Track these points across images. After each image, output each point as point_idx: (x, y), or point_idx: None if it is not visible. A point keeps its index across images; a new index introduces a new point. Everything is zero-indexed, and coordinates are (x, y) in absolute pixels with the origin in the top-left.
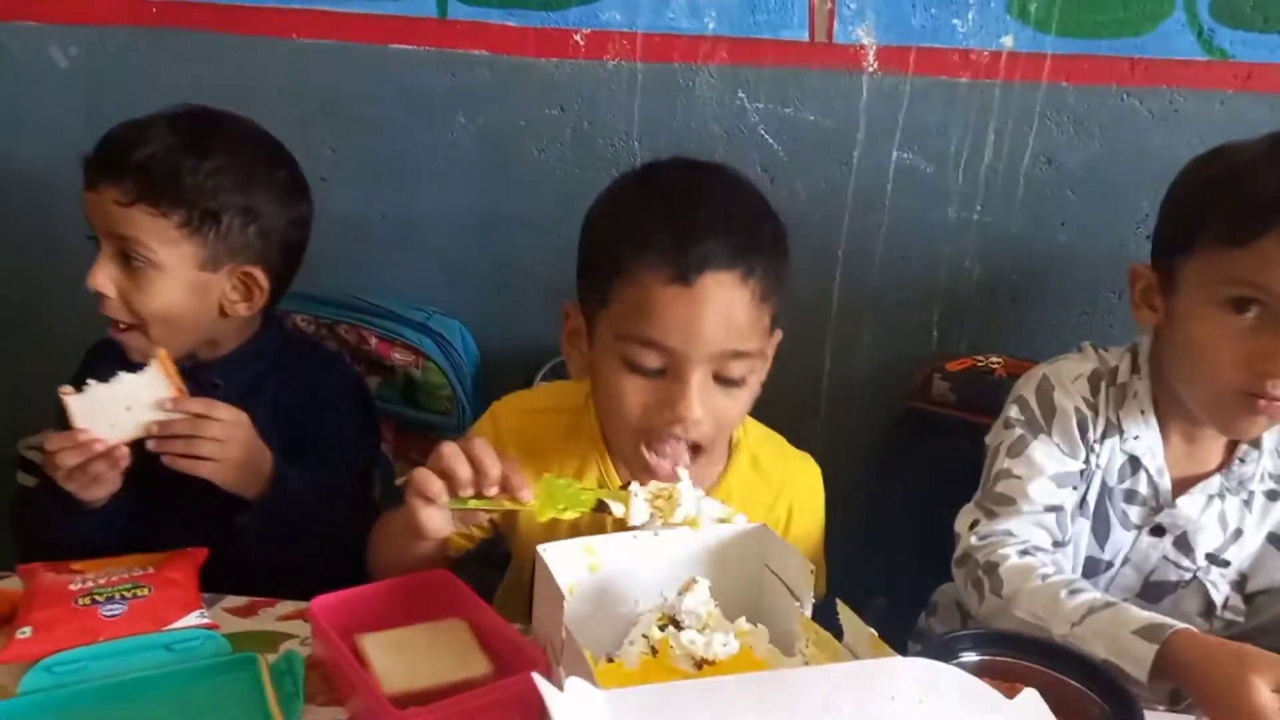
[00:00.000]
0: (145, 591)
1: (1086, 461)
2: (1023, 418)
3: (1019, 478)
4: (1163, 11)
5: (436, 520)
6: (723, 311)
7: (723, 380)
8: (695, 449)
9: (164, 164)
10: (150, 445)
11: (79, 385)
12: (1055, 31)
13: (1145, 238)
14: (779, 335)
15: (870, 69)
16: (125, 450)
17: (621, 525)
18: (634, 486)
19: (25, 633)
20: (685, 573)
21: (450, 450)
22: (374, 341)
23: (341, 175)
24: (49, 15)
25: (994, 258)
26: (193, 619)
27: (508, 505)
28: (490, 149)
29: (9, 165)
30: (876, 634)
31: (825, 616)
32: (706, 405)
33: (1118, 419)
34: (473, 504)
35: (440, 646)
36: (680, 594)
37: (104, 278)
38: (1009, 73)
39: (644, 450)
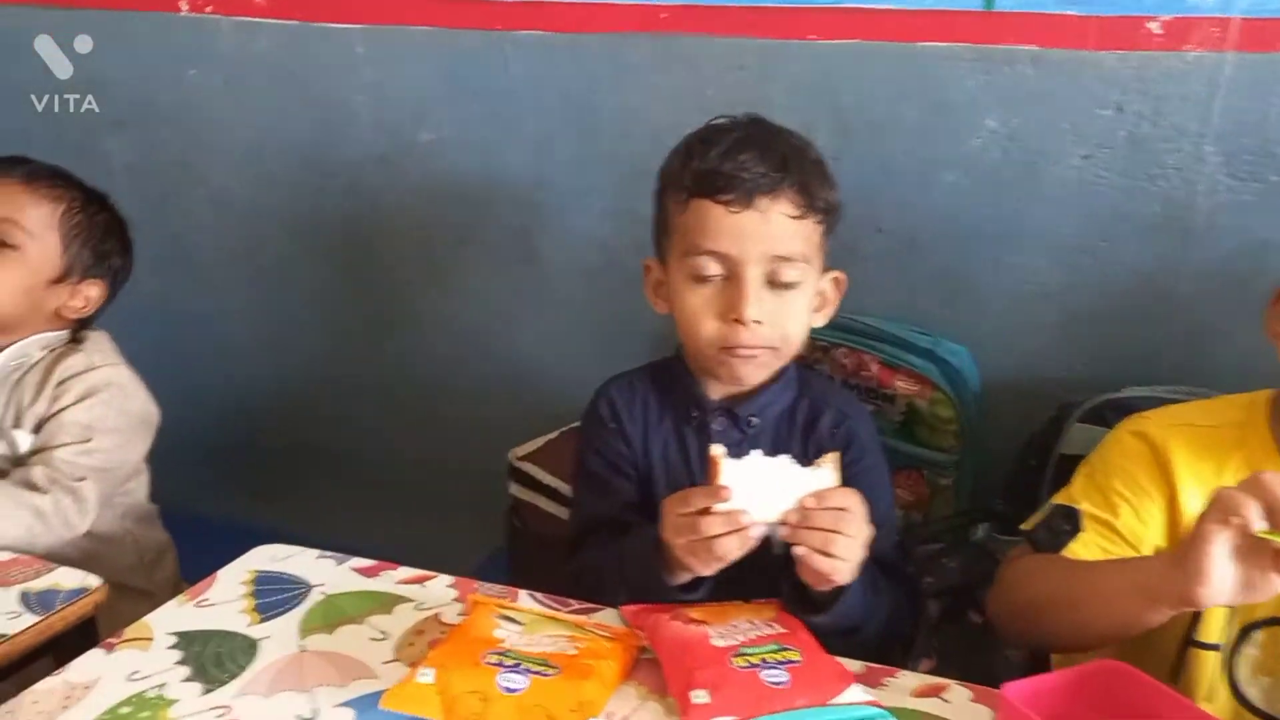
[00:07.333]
0: (796, 656)
1: None
2: None
3: None
4: None
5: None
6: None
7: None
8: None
9: (815, 169)
10: (783, 534)
11: (734, 450)
12: None
13: None
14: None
15: None
16: (759, 535)
17: None
18: None
19: (701, 697)
20: None
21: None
22: (875, 368)
23: (841, 183)
24: (551, 24)
25: None
26: (856, 694)
27: None
28: (1020, 155)
29: (496, 184)
30: None
31: None
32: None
33: None
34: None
35: None
36: None
37: (759, 306)
38: None
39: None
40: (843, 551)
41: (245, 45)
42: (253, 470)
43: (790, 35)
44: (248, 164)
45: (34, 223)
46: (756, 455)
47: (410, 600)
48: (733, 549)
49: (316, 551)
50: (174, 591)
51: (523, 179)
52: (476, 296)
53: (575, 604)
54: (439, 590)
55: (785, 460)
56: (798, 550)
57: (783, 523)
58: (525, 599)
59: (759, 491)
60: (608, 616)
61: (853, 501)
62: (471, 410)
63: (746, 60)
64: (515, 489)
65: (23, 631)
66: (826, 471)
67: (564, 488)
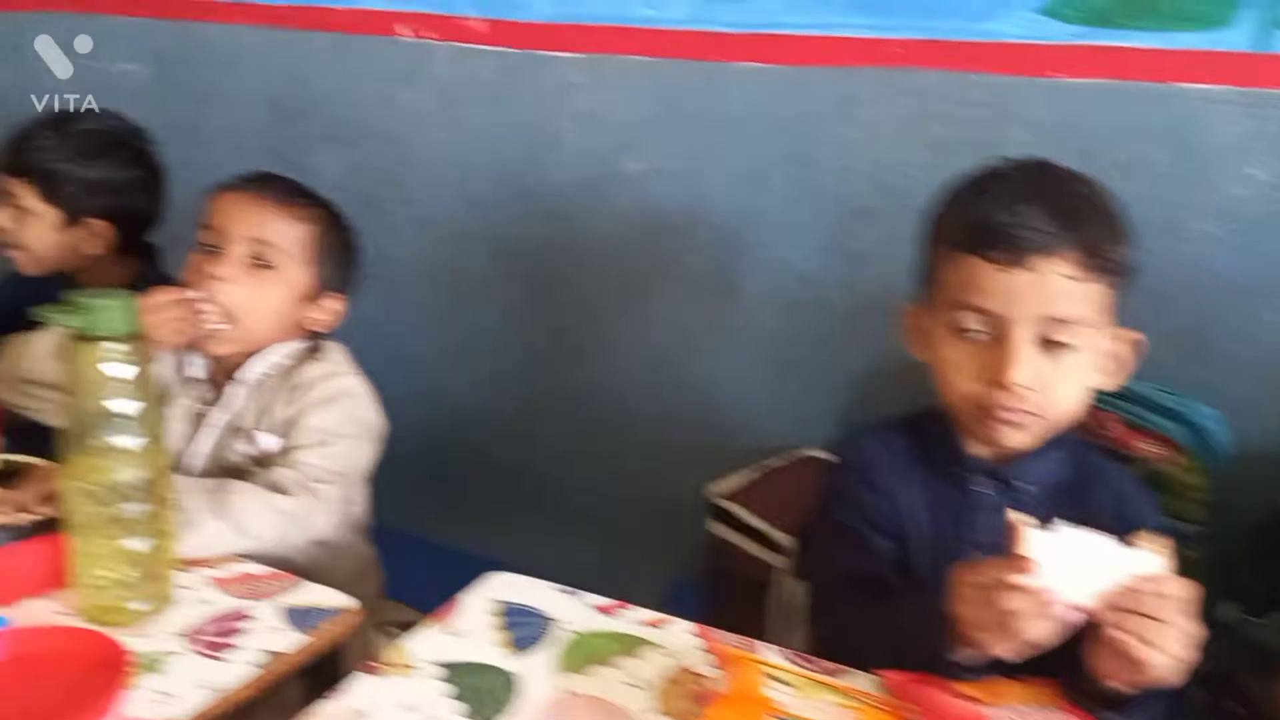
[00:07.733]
0: None
1: None
2: None
3: None
4: None
5: None
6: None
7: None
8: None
9: (1106, 224)
10: (1109, 620)
11: (1043, 520)
12: None
13: None
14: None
15: None
16: (1074, 620)
17: None
18: None
19: None
20: None
21: None
22: (1116, 427)
23: None
24: (774, 57)
25: None
26: None
27: None
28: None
29: (699, 215)
30: None
31: None
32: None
33: None
34: None
35: None
36: None
37: (1027, 370)
38: None
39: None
40: (1167, 642)
41: (461, 70)
42: (438, 487)
43: (1032, 72)
44: (454, 186)
45: (289, 244)
46: (1066, 527)
47: (655, 645)
48: (1039, 631)
49: (549, 584)
50: (381, 606)
51: (728, 210)
52: (672, 326)
53: (820, 663)
54: (681, 635)
55: (1102, 537)
56: (1113, 634)
57: (1098, 607)
58: (771, 654)
59: (1068, 569)
60: (863, 682)
61: (1187, 593)
62: (659, 439)
63: (981, 96)
64: (715, 527)
65: (296, 651)
66: (1153, 555)
67: (770, 531)
